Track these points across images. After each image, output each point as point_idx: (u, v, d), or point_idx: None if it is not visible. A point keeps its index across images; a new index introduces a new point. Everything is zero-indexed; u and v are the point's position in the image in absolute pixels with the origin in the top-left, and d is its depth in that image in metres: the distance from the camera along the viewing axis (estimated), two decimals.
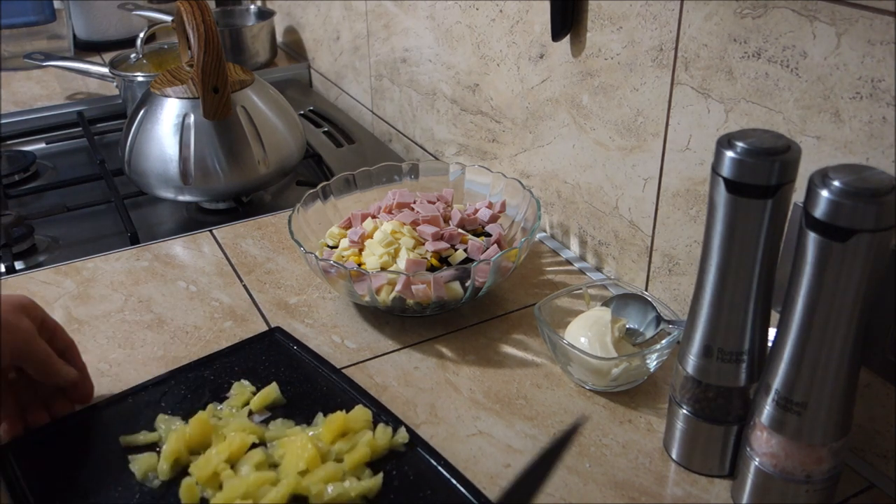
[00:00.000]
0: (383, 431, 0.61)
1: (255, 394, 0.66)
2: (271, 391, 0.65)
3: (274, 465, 0.59)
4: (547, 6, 0.79)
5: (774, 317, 0.53)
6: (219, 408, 0.65)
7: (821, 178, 0.46)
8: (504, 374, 0.71)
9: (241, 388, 0.67)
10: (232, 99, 0.96)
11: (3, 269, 0.90)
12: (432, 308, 0.75)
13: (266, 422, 0.63)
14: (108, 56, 1.54)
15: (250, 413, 0.64)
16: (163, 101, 0.97)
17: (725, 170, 0.50)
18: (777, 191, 0.49)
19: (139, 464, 0.59)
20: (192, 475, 0.58)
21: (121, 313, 0.80)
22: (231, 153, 0.96)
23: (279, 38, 1.63)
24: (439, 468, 0.59)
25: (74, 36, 1.62)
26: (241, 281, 0.85)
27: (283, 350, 0.72)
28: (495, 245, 0.80)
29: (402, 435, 0.61)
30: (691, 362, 0.57)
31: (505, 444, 0.63)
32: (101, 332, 0.77)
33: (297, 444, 0.58)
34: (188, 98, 0.96)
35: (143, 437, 0.62)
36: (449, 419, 0.66)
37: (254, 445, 0.60)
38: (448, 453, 0.62)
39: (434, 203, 0.85)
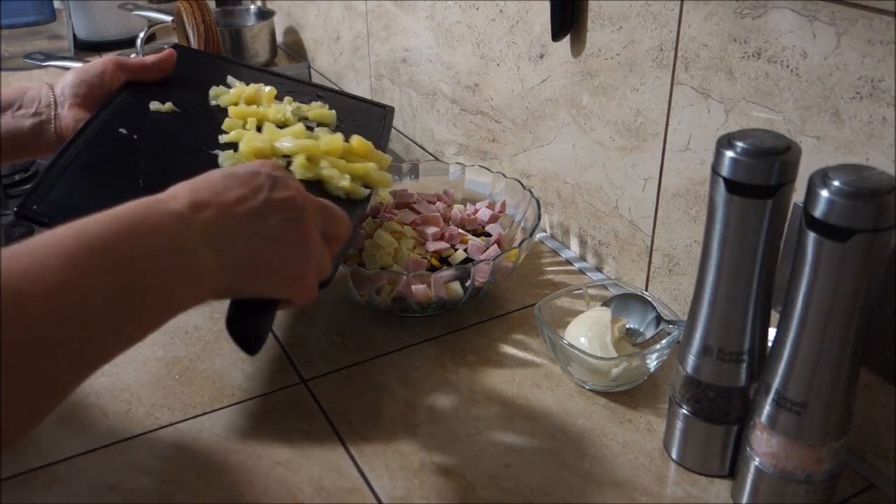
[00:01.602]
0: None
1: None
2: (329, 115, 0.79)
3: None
4: (547, 6, 0.79)
5: (774, 317, 0.53)
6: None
7: (821, 178, 0.46)
8: (504, 374, 0.71)
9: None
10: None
11: None
12: (432, 308, 0.75)
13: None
14: (107, 56, 1.54)
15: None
16: None
17: (725, 170, 0.50)
18: (777, 191, 0.49)
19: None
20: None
21: None
22: None
23: (279, 38, 1.62)
24: None
25: (74, 36, 1.62)
26: None
27: None
28: (495, 245, 0.80)
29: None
30: (691, 362, 0.57)
31: (505, 444, 0.63)
32: None
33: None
34: None
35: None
36: (449, 419, 0.66)
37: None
38: (448, 453, 0.62)
39: (434, 203, 0.85)
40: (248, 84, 0.81)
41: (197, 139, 0.73)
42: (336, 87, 0.94)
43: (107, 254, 0.43)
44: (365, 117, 0.86)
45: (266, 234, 0.50)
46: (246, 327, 0.53)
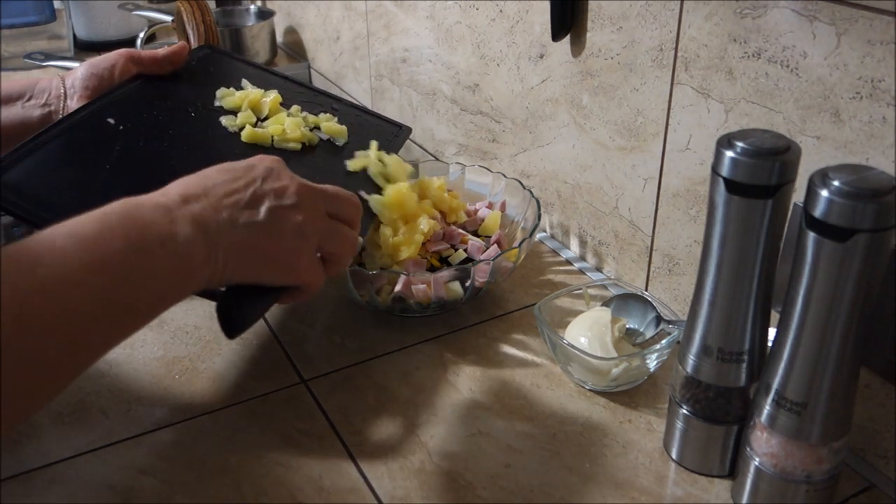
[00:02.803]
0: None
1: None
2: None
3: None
4: (547, 6, 0.79)
5: (774, 317, 0.53)
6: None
7: (821, 178, 0.46)
8: (504, 374, 0.71)
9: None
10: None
11: None
12: (432, 308, 0.75)
13: None
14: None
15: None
16: None
17: (725, 170, 0.50)
18: (777, 191, 0.49)
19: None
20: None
21: None
22: None
23: (279, 38, 1.62)
24: None
25: (74, 36, 1.62)
26: None
27: None
28: (495, 245, 0.80)
29: None
30: (691, 362, 0.57)
31: (505, 444, 0.63)
32: None
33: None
34: None
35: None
36: (449, 419, 0.66)
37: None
38: (448, 453, 0.62)
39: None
40: (266, 90, 0.82)
41: (187, 136, 0.73)
42: (358, 103, 0.94)
43: (99, 251, 0.44)
44: (374, 134, 0.86)
45: (256, 223, 0.51)
46: (230, 310, 0.54)
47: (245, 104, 0.79)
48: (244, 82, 0.82)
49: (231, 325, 0.54)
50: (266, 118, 0.80)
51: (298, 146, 0.78)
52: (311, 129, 0.81)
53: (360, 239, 0.69)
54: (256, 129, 0.77)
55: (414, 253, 0.74)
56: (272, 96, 0.81)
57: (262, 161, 0.55)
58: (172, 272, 0.48)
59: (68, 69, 1.34)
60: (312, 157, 0.79)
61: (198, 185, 0.51)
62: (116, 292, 0.45)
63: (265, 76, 0.87)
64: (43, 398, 0.44)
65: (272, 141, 0.77)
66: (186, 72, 0.81)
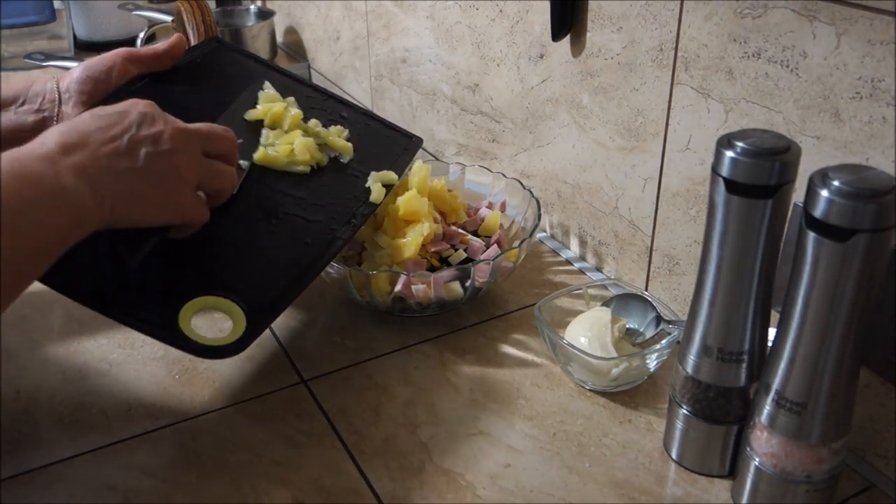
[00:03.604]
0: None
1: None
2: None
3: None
4: (547, 6, 0.79)
5: (774, 317, 0.53)
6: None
7: (821, 178, 0.46)
8: (504, 374, 0.71)
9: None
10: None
11: None
12: (432, 308, 0.75)
13: None
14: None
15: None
16: None
17: (725, 170, 0.50)
18: (777, 191, 0.49)
19: None
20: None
21: None
22: None
23: (279, 38, 1.62)
24: None
25: (74, 36, 1.61)
26: None
27: None
28: (495, 245, 0.80)
29: None
30: (691, 362, 0.57)
31: (505, 444, 0.63)
32: (101, 332, 0.77)
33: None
34: None
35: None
36: (449, 419, 0.66)
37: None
38: (448, 453, 0.62)
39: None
40: (283, 95, 0.79)
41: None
42: (367, 110, 0.92)
43: None
44: (383, 147, 0.83)
45: (136, 169, 0.55)
46: (122, 248, 0.58)
47: (267, 118, 0.77)
48: (266, 85, 0.80)
49: (129, 252, 0.58)
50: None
51: (308, 169, 0.76)
52: (318, 146, 0.78)
53: (244, 163, 0.72)
54: (269, 152, 0.74)
55: (414, 253, 0.74)
56: (293, 112, 0.78)
57: (134, 105, 0.58)
58: (65, 221, 0.51)
59: (68, 69, 1.35)
60: (321, 178, 0.77)
61: (74, 131, 0.54)
62: (10, 247, 0.48)
63: (274, 76, 0.84)
64: None
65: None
66: (195, 69, 0.79)
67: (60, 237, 0.51)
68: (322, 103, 0.85)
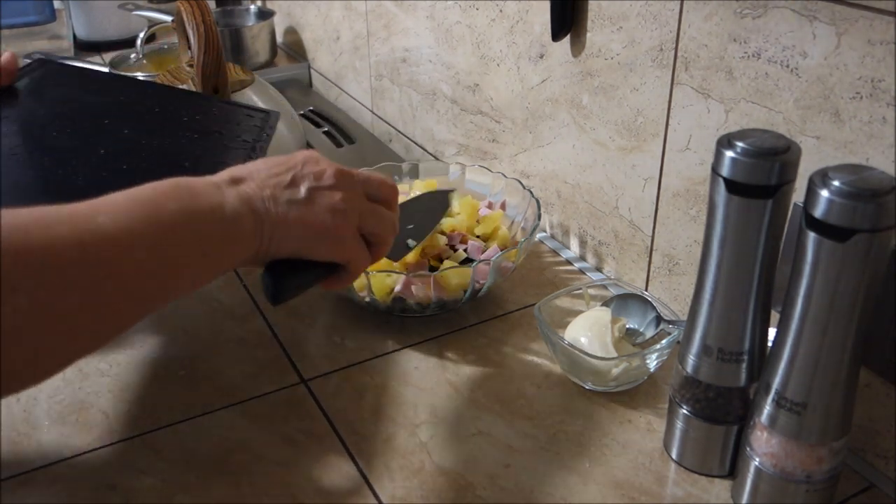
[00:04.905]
0: None
1: None
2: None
3: None
4: (547, 6, 0.79)
5: (774, 317, 0.53)
6: None
7: (821, 178, 0.46)
8: (504, 374, 0.71)
9: None
10: (232, 99, 0.96)
11: None
12: (432, 308, 0.75)
13: None
14: (108, 56, 1.54)
15: None
16: None
17: (725, 170, 0.50)
18: (777, 191, 0.49)
19: None
20: None
21: None
22: None
23: (279, 38, 1.62)
24: None
25: (74, 36, 1.62)
26: (242, 281, 0.85)
27: None
28: (495, 245, 0.80)
29: None
30: (691, 362, 0.57)
31: (505, 444, 0.63)
32: None
33: None
34: None
35: None
36: (449, 419, 0.66)
37: None
38: (448, 453, 0.62)
39: None
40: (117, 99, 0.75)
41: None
42: (209, 96, 0.85)
43: (156, 208, 0.48)
44: (240, 127, 0.78)
45: (297, 200, 0.56)
46: (276, 277, 0.56)
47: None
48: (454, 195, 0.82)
49: (276, 291, 0.57)
50: None
51: None
52: None
53: (412, 242, 0.72)
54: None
55: (415, 258, 0.75)
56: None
57: (301, 152, 0.60)
58: (221, 238, 0.51)
59: None
60: None
61: (243, 170, 0.56)
62: (171, 248, 0.48)
63: (109, 83, 0.80)
64: (95, 343, 0.46)
65: None
66: (23, 88, 0.75)
67: (216, 254, 0.51)
68: (169, 95, 0.80)
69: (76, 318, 0.43)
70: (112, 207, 0.46)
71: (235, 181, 0.54)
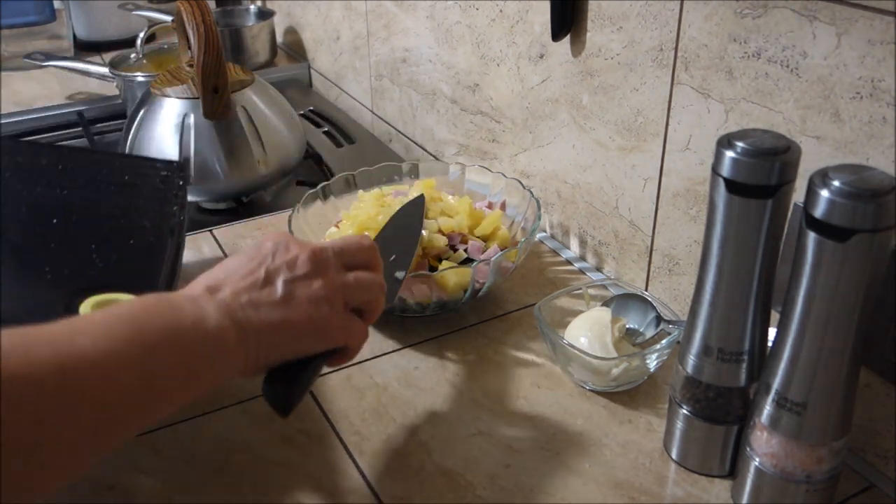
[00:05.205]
0: None
1: None
2: None
3: None
4: (547, 6, 0.79)
5: (774, 317, 0.53)
6: None
7: (821, 178, 0.46)
8: (504, 374, 0.71)
9: None
10: (232, 99, 0.96)
11: None
12: (432, 308, 0.75)
13: None
14: (108, 56, 1.54)
15: None
16: (163, 102, 0.97)
17: (725, 170, 0.50)
18: (777, 191, 0.49)
19: None
20: None
21: None
22: (231, 153, 0.96)
23: (279, 38, 1.62)
24: None
25: (74, 36, 1.62)
26: None
27: None
28: (495, 245, 0.80)
29: None
30: (691, 362, 0.57)
31: (505, 444, 0.63)
32: None
33: None
34: (188, 98, 0.96)
35: None
36: (449, 419, 0.66)
37: None
38: (448, 453, 0.62)
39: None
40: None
41: None
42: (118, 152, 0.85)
43: (138, 326, 0.45)
44: (146, 178, 0.75)
45: (275, 300, 0.53)
46: (277, 388, 0.54)
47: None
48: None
49: (284, 405, 0.54)
50: None
51: None
52: None
53: (401, 274, 0.70)
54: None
55: (415, 257, 0.75)
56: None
57: (268, 238, 0.57)
58: (206, 352, 0.49)
59: (68, 69, 1.35)
60: None
61: (217, 275, 0.53)
62: (154, 366, 0.46)
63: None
64: (77, 466, 0.43)
65: None
66: None
67: (201, 369, 0.49)
68: (77, 156, 0.78)
69: (57, 447, 0.40)
70: (92, 328, 0.44)
71: (211, 290, 0.51)
